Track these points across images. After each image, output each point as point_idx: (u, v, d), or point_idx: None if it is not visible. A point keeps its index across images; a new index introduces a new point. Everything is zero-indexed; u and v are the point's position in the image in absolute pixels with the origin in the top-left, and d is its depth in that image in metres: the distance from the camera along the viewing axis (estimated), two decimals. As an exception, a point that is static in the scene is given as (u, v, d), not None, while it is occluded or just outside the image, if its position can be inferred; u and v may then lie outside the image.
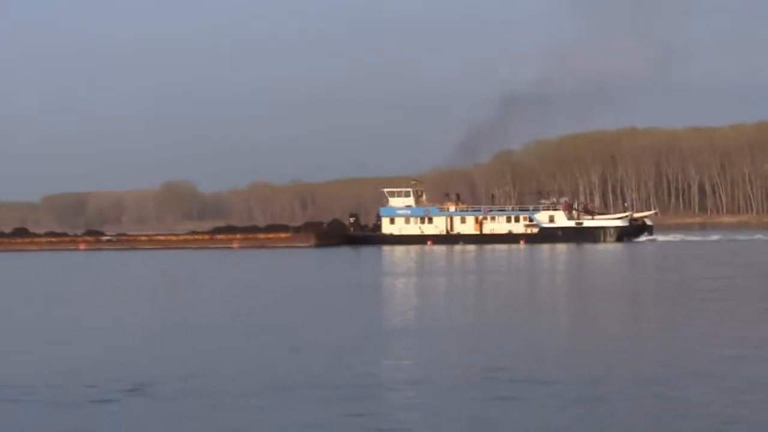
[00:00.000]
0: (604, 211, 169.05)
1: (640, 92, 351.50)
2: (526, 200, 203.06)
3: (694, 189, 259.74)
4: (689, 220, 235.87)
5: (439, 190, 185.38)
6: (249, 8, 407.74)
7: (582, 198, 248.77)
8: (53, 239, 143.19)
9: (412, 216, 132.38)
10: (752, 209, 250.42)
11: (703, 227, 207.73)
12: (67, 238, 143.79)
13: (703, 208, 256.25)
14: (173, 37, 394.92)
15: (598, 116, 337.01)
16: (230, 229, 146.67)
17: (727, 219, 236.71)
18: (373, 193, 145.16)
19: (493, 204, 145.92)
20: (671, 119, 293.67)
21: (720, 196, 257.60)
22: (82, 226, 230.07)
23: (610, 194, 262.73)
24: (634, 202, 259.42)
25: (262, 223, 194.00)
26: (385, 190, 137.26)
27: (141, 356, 34.52)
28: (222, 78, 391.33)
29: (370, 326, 43.84)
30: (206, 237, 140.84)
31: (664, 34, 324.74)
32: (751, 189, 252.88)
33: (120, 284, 75.20)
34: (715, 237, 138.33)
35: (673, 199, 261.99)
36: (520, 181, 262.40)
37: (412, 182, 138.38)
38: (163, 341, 39.36)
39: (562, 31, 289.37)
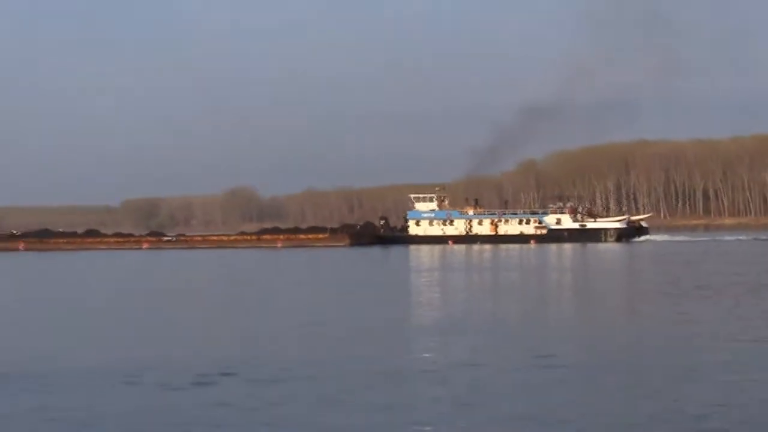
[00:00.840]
0: (605, 214, 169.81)
1: (649, 107, 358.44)
2: (548, 205, 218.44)
3: (699, 194, 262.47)
4: (694, 222, 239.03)
5: (470, 195, 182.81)
6: (317, 42, 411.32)
7: (599, 202, 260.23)
8: (120, 239, 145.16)
9: (435, 219, 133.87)
10: (751, 212, 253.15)
11: (707, 228, 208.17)
12: (132, 238, 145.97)
13: (707, 212, 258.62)
14: (244, 56, 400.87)
15: (613, 129, 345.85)
16: (275, 230, 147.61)
17: (728, 221, 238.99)
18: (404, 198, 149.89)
19: (507, 208, 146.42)
20: (678, 132, 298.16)
21: (722, 201, 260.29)
22: (156, 227, 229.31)
23: (624, 199, 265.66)
24: (645, 206, 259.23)
25: (313, 224, 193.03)
26: (412, 195, 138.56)
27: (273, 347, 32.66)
28: (280, 98, 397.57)
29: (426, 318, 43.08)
30: (254, 237, 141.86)
31: (670, 51, 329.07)
32: (750, 194, 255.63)
33: (194, 281, 73.25)
34: (705, 237, 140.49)
35: (680, 203, 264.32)
36: (543, 188, 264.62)
37: (436, 189, 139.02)
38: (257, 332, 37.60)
39: (577, 47, 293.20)
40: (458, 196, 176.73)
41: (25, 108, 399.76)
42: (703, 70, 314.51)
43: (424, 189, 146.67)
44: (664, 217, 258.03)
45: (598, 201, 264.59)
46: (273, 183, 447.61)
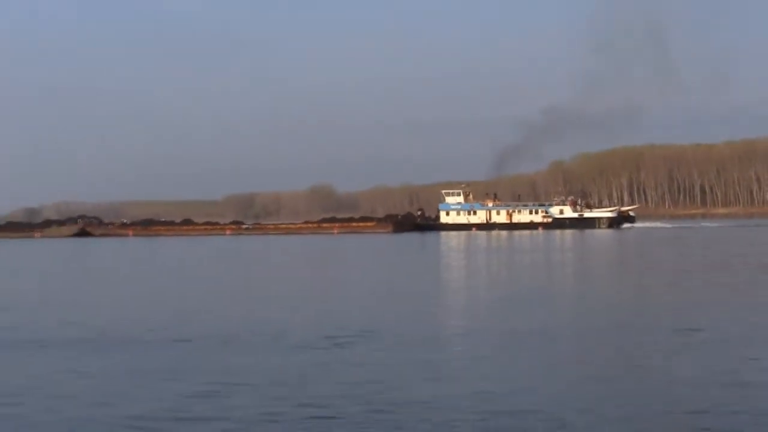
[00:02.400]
0: (600, 205, 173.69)
1: (656, 117, 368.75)
2: (574, 199, 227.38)
3: (697, 189, 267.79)
4: (693, 211, 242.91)
5: (508, 191, 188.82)
6: (389, 48, 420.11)
7: (615, 196, 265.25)
8: (208, 227, 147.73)
9: (461, 210, 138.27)
10: (740, 203, 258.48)
11: (703, 216, 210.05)
12: (218, 226, 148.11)
13: (703, 203, 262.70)
14: (323, 69, 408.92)
15: (626, 135, 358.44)
16: (333, 219, 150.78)
17: (720, 210, 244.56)
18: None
19: (519, 201, 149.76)
20: (680, 138, 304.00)
21: (716, 194, 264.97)
22: (252, 218, 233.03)
23: (635, 193, 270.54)
24: (653, 199, 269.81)
25: (381, 215, 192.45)
26: (443, 191, 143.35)
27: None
28: (352, 106, 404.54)
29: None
30: (315, 225, 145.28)
31: (670, 67, 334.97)
32: (739, 188, 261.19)
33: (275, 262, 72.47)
34: (683, 224, 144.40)
35: (681, 196, 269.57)
36: (570, 184, 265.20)
37: (462, 186, 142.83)
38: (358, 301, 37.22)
39: (586, 64, 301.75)
40: (497, 191, 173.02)
41: (141, 116, 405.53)
42: (700, 83, 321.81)
43: (461, 186, 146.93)
44: (668, 207, 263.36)
45: (615, 195, 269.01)
46: (348, 180, 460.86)
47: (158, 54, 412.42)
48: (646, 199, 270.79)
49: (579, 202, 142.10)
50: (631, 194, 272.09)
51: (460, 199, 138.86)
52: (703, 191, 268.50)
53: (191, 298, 40.44)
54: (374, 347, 24.26)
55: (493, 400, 17.75)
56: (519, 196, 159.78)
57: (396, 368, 21.15)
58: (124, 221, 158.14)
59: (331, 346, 24.35)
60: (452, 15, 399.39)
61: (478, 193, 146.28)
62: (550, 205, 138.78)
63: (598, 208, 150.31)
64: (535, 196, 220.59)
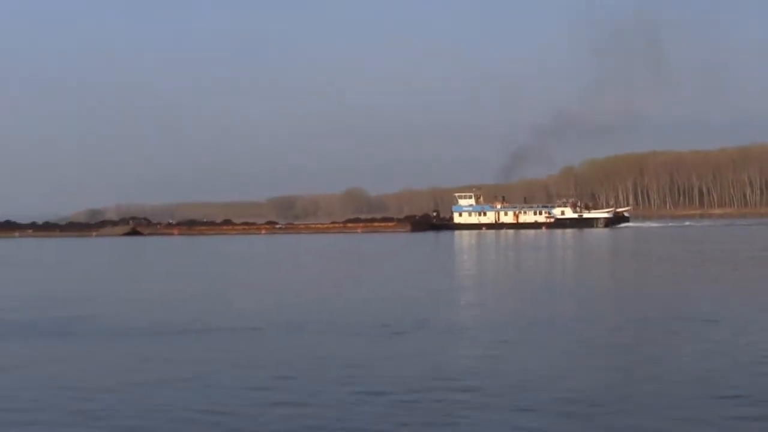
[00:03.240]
0: (598, 207, 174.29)
1: (658, 124, 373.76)
2: (584, 202, 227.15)
3: (695, 191, 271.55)
4: (691, 212, 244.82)
5: (520, 194, 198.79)
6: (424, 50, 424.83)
7: (621, 198, 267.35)
8: (245, 227, 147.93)
9: (473, 211, 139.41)
10: (734, 205, 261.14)
11: (701, 217, 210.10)
12: (254, 226, 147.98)
13: (701, 204, 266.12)
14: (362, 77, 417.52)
15: (630, 142, 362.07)
16: (357, 220, 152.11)
17: (716, 211, 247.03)
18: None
19: (525, 203, 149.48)
20: (680, 144, 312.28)
21: (713, 196, 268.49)
22: (292, 218, 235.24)
23: (639, 196, 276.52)
24: (655, 201, 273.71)
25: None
26: (456, 194, 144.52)
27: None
28: (387, 115, 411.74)
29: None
30: (341, 225, 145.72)
31: (669, 77, 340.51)
32: (733, 191, 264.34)
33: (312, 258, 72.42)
34: (672, 224, 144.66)
35: (681, 198, 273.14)
36: (579, 187, 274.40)
37: (474, 189, 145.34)
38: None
39: (590, 75, 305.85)
40: (513, 194, 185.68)
41: (194, 126, 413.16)
42: (698, 93, 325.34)
43: (483, 189, 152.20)
44: (669, 208, 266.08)
45: (621, 197, 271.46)
46: (378, 184, 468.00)
47: (208, 69, 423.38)
48: (649, 201, 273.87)
49: (578, 203, 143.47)
50: (635, 196, 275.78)
51: (472, 201, 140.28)
52: (701, 193, 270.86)
53: (254, 292, 40.94)
54: (429, 334, 24.91)
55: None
56: (525, 198, 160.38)
57: (455, 353, 21.68)
58: (170, 221, 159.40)
59: (390, 334, 24.94)
60: (471, 28, 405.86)
61: (497, 194, 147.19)
62: (553, 207, 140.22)
63: (597, 209, 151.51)
64: (548, 198, 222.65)
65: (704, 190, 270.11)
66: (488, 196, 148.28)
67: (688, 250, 71.94)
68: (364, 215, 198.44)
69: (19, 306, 35.77)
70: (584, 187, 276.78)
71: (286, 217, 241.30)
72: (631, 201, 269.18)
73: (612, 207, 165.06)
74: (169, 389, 18.91)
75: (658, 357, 21.26)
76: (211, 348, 24.09)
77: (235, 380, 19.46)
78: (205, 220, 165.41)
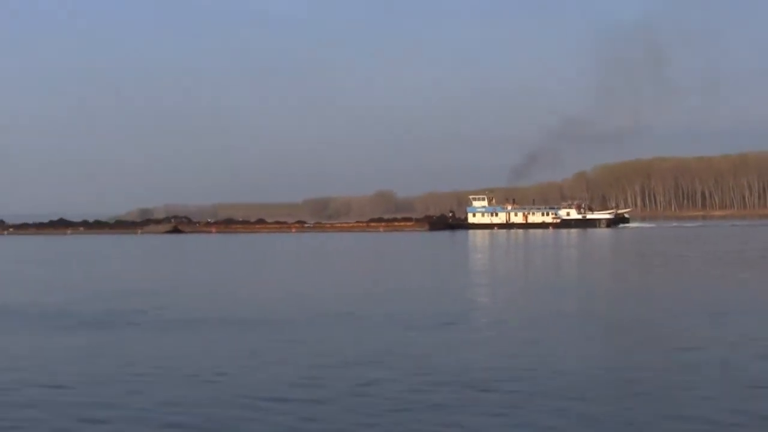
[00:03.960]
0: (601, 208, 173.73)
1: (663, 132, 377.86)
2: (595, 204, 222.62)
3: (698, 195, 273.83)
4: (694, 214, 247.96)
5: (535, 196, 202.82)
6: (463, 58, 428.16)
7: (629, 201, 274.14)
8: (277, 225, 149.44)
9: (485, 212, 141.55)
10: (734, 206, 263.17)
11: (703, 218, 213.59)
12: (285, 225, 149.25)
13: (704, 206, 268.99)
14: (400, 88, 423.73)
15: (637, 149, 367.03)
16: (379, 220, 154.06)
17: (718, 213, 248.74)
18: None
19: (534, 204, 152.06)
20: (684, 151, 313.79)
21: (714, 199, 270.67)
22: (326, 218, 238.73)
23: (647, 199, 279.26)
24: (660, 203, 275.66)
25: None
26: (470, 196, 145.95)
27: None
28: (415, 123, 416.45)
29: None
30: (365, 224, 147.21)
31: (673, 88, 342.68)
32: (733, 194, 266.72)
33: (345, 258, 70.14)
34: (675, 224, 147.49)
35: (684, 201, 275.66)
36: (591, 190, 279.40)
37: (486, 192, 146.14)
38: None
39: (598, 85, 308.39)
40: (527, 197, 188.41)
41: (239, 131, 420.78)
42: (699, 103, 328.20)
43: (493, 192, 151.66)
44: (674, 210, 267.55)
45: (629, 200, 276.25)
46: (407, 186, 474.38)
47: (249, 82, 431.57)
48: (655, 203, 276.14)
49: (582, 205, 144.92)
50: (642, 199, 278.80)
51: (485, 203, 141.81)
52: (703, 197, 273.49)
53: (298, 285, 41.03)
54: (475, 327, 25.11)
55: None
56: (534, 200, 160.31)
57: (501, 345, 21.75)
58: (209, 220, 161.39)
59: (440, 325, 25.18)
60: (491, 42, 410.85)
61: (515, 197, 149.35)
62: (559, 208, 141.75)
63: (601, 210, 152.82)
64: (562, 200, 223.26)
65: (707, 193, 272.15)
66: (503, 198, 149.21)
67: (686, 248, 73.50)
68: (391, 215, 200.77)
69: (126, 300, 35.11)
70: (596, 190, 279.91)
71: (320, 217, 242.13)
72: (638, 203, 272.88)
73: (614, 209, 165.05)
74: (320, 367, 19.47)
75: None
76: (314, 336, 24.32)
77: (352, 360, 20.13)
78: (241, 219, 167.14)
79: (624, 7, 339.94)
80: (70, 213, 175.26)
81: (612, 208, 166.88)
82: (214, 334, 24.72)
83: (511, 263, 59.02)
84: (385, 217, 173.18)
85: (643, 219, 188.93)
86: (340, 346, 21.95)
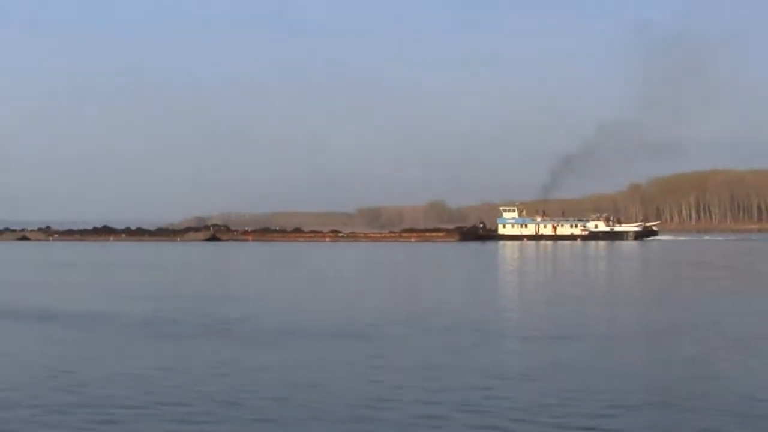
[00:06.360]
0: (629, 221, 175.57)
1: (718, 144, 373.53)
2: (650, 216, 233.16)
3: (754, 208, 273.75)
4: (750, 227, 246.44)
5: (589, 208, 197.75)
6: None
7: (684, 214, 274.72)
8: (312, 234, 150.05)
9: (515, 223, 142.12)
10: None
11: (759, 231, 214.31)
12: (320, 234, 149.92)
13: (759, 219, 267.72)
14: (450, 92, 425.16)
15: (692, 161, 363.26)
16: (411, 230, 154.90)
17: None
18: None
19: (563, 216, 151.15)
20: (739, 163, 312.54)
21: None
22: (378, 227, 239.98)
23: (702, 211, 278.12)
24: (716, 216, 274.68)
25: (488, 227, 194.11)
26: (501, 208, 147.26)
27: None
28: (468, 134, 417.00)
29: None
30: (396, 234, 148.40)
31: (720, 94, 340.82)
32: None
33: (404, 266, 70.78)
34: (700, 238, 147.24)
35: (741, 214, 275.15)
36: (646, 203, 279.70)
37: (517, 204, 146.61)
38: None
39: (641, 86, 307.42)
40: (579, 209, 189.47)
41: (297, 141, 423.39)
42: (748, 112, 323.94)
43: (525, 205, 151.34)
44: (729, 222, 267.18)
45: (684, 212, 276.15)
46: (459, 197, 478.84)
47: (303, 89, 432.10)
48: (710, 216, 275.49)
49: (611, 218, 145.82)
50: (697, 212, 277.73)
51: (515, 214, 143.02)
52: (759, 209, 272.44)
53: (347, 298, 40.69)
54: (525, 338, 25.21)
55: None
56: (563, 212, 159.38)
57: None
58: (246, 228, 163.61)
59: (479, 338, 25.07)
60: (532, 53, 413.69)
61: (567, 208, 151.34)
62: (587, 220, 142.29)
63: (626, 223, 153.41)
64: (616, 212, 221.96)
65: (763, 206, 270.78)
66: (559, 209, 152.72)
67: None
68: (445, 225, 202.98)
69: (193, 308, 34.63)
70: (650, 202, 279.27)
71: (372, 227, 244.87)
72: (693, 216, 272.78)
73: (686, 222, 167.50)
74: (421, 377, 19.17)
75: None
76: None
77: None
78: (276, 228, 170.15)
79: (660, 6, 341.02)
80: (127, 220, 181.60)
81: (662, 221, 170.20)
82: (336, 346, 23.83)
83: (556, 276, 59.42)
84: (417, 227, 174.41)
85: (695, 232, 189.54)
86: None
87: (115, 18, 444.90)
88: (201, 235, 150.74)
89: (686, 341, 24.77)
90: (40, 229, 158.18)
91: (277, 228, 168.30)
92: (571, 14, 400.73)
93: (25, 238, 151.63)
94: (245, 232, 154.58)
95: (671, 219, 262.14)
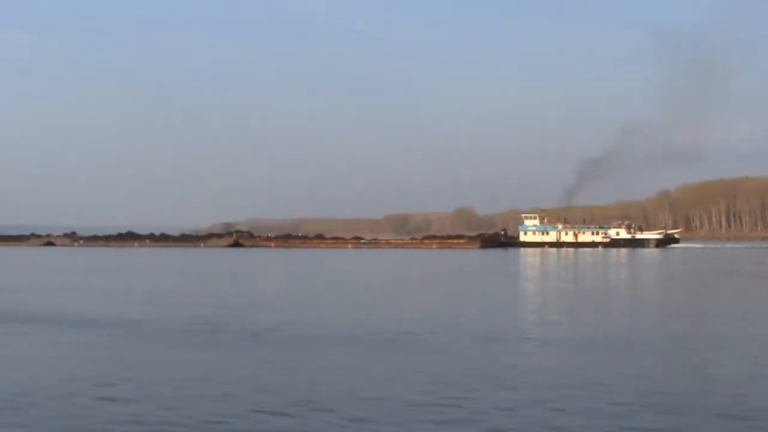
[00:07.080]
0: (650, 228, 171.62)
1: (750, 150, 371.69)
2: (679, 224, 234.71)
3: None
4: None
5: (618, 215, 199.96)
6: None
7: (714, 221, 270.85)
8: (334, 240, 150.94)
9: (537, 230, 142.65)
10: None
11: None
12: (341, 240, 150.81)
13: None
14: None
15: (724, 168, 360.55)
16: (432, 237, 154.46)
17: None
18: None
19: (584, 224, 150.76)
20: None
21: None
22: (406, 234, 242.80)
23: (732, 219, 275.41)
24: (746, 224, 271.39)
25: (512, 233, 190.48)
26: (522, 215, 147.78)
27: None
28: (496, 141, 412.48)
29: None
30: (417, 241, 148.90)
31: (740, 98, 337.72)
32: None
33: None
34: (721, 246, 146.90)
35: None
36: (674, 210, 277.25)
37: (539, 211, 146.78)
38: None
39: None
40: (607, 216, 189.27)
41: (321, 147, 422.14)
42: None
43: (546, 212, 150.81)
44: (760, 230, 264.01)
45: (714, 220, 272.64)
46: (488, 203, 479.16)
47: (331, 95, 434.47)
48: (741, 224, 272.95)
49: (632, 225, 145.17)
50: (728, 219, 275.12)
51: (536, 221, 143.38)
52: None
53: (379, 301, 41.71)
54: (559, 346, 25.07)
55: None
56: (584, 220, 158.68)
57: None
58: (269, 235, 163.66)
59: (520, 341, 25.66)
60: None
61: (594, 214, 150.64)
62: (609, 227, 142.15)
63: (648, 231, 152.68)
64: (644, 219, 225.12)
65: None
66: (588, 216, 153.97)
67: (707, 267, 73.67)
68: (473, 232, 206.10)
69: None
70: (679, 209, 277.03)
71: (400, 233, 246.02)
72: (723, 223, 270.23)
73: (716, 230, 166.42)
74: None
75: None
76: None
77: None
78: (299, 234, 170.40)
79: (687, 12, 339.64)
80: (156, 226, 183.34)
81: (692, 229, 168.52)
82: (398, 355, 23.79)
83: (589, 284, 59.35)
84: (438, 234, 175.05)
85: (726, 240, 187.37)
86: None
87: (139, 29, 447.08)
88: (224, 241, 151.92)
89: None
90: (65, 235, 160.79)
91: (300, 234, 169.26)
92: (598, 19, 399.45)
93: (50, 244, 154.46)
94: (268, 239, 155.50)
95: (701, 226, 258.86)
